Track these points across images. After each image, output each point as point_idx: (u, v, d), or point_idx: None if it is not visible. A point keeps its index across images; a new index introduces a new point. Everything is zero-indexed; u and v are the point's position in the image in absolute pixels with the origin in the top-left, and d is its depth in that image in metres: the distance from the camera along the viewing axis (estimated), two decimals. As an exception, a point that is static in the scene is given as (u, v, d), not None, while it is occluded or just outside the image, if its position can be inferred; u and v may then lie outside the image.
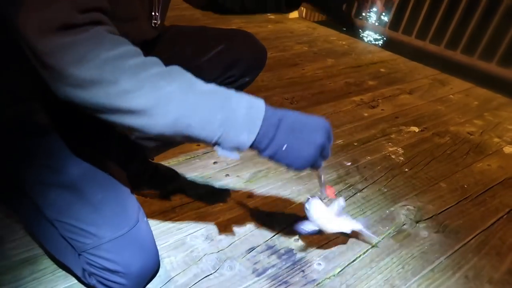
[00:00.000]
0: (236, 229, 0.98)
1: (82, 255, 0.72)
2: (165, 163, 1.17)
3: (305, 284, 0.86)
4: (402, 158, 1.33)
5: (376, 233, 1.01)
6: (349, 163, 1.27)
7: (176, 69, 0.55)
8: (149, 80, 0.50)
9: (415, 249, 0.97)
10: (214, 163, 1.21)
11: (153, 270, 0.79)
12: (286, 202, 1.08)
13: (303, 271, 0.89)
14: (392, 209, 1.10)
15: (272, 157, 0.59)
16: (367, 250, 0.96)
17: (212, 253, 0.91)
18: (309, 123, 0.60)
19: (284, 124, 0.57)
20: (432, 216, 1.08)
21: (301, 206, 1.02)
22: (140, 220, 0.76)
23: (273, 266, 0.89)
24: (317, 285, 0.86)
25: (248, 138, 0.55)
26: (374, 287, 0.87)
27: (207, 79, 0.94)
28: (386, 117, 1.59)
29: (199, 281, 0.84)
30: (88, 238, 0.71)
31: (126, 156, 1.04)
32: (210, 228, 0.97)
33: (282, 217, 1.03)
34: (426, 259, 0.95)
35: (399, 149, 1.38)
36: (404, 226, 1.04)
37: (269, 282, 0.85)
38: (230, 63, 0.93)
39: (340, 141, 1.39)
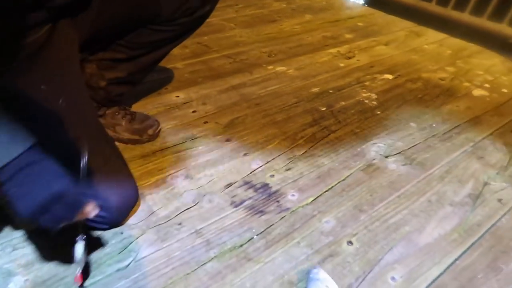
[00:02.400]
0: (214, 168, 1.03)
1: None
2: (144, 112, 1.20)
3: (279, 212, 0.92)
4: (375, 103, 1.38)
5: (346, 168, 1.07)
6: (324, 108, 1.32)
7: None
8: None
9: (384, 180, 1.04)
10: (193, 112, 1.25)
11: (132, 202, 0.83)
12: (263, 143, 1.13)
13: (278, 201, 0.95)
14: (363, 146, 1.15)
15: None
16: (338, 182, 1.02)
17: (192, 189, 0.96)
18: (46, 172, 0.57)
19: (23, 167, 0.55)
20: (401, 152, 1.15)
21: (277, 147, 1.07)
22: (116, 155, 0.80)
23: (249, 198, 0.95)
24: (291, 212, 0.92)
25: None
26: (344, 212, 0.93)
27: (166, 13, 0.95)
28: (362, 66, 1.63)
29: (180, 213, 0.89)
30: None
31: (101, 103, 1.08)
32: (189, 169, 1.02)
33: (258, 157, 1.08)
34: (393, 188, 1.01)
35: (373, 94, 1.43)
36: (374, 161, 1.10)
37: (246, 212, 0.91)
38: None
39: (316, 89, 1.43)
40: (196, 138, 1.13)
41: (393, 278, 0.79)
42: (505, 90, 1.53)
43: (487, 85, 1.55)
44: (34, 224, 0.57)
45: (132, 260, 0.78)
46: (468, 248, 0.87)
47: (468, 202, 0.99)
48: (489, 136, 1.25)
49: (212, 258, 0.80)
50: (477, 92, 1.50)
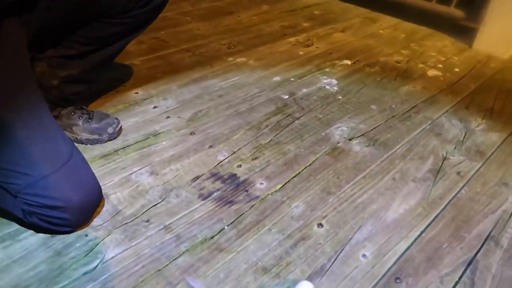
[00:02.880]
0: (180, 163, 1.01)
1: (19, 197, 0.72)
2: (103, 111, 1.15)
3: (249, 201, 0.91)
4: (336, 88, 1.40)
5: (312, 153, 1.08)
6: (286, 96, 1.32)
7: None
8: None
9: (349, 162, 1.06)
10: (154, 107, 1.22)
11: (96, 202, 0.80)
12: (228, 135, 1.12)
13: (246, 190, 0.94)
14: (327, 131, 1.17)
15: None
16: (305, 167, 1.02)
17: (158, 185, 0.94)
18: None
19: None
20: (363, 134, 1.17)
21: (243, 137, 1.07)
22: (75, 154, 0.76)
23: (218, 190, 0.94)
24: (260, 200, 0.92)
25: None
26: (313, 195, 0.94)
27: (118, 5, 0.92)
28: (321, 53, 1.65)
29: (147, 210, 0.87)
30: (20, 179, 0.71)
31: (56, 103, 1.03)
32: (154, 165, 1.00)
33: (224, 148, 1.07)
34: (359, 169, 1.03)
35: (333, 80, 1.45)
36: (339, 144, 1.12)
37: (215, 204, 0.90)
38: None
39: (277, 78, 1.43)
40: (159, 133, 1.11)
41: (364, 256, 0.81)
42: (457, 70, 1.59)
43: (440, 66, 1.61)
44: None
45: (99, 262, 0.75)
46: (432, 221, 0.90)
47: (429, 177, 1.02)
48: (445, 113, 1.30)
49: (183, 252, 0.78)
50: (431, 72, 1.56)
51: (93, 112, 1.06)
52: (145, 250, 0.78)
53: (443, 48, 1.78)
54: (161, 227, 0.83)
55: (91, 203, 0.79)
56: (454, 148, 1.13)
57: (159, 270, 0.74)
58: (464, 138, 1.18)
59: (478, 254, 0.83)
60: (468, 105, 1.36)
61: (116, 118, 1.08)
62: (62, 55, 0.98)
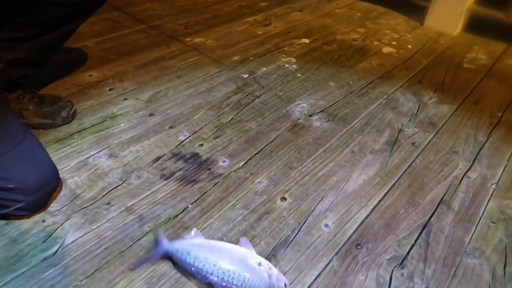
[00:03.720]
0: (139, 144, 0.99)
1: None
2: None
3: (212, 179, 0.91)
4: (295, 66, 1.41)
5: (273, 130, 1.09)
6: (246, 75, 1.32)
7: None
8: None
9: (310, 137, 1.07)
10: (110, 89, 1.18)
11: (52, 184, 0.77)
12: (188, 115, 1.10)
13: (209, 169, 0.94)
14: (288, 108, 1.18)
15: None
16: (267, 144, 1.03)
17: (118, 167, 0.91)
18: None
19: None
20: (323, 110, 1.19)
21: (203, 117, 1.06)
22: (28, 136, 0.73)
23: (180, 169, 0.93)
24: (223, 178, 0.92)
25: None
26: (275, 171, 0.95)
27: None
28: (279, 33, 1.65)
29: (107, 193, 0.85)
30: None
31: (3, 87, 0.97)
32: (113, 147, 0.97)
33: (185, 128, 1.05)
34: (319, 143, 1.06)
35: (292, 58, 1.45)
36: (299, 120, 1.13)
37: (178, 183, 0.89)
38: None
39: (236, 57, 1.42)
40: (117, 116, 1.07)
41: (326, 225, 0.83)
42: (410, 46, 1.65)
43: (394, 43, 1.66)
44: None
45: (59, 247, 0.72)
46: (390, 189, 0.94)
47: (386, 148, 1.06)
48: (400, 88, 1.35)
49: (147, 232, 0.77)
50: (386, 49, 1.60)
51: (44, 95, 1.01)
52: (107, 232, 0.76)
53: (397, 26, 1.83)
54: (123, 209, 0.81)
55: (47, 185, 0.76)
56: (409, 121, 1.18)
57: (122, 252, 0.73)
58: (417, 111, 1.23)
59: (432, 218, 0.88)
60: (421, 79, 1.41)
61: (70, 101, 1.03)
62: (7, 37, 0.92)
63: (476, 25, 1.83)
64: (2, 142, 0.69)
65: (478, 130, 1.18)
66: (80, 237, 0.75)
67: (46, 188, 0.75)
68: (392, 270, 0.76)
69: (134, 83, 1.22)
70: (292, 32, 1.67)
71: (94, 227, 0.77)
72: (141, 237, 0.76)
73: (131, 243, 0.75)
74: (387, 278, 0.74)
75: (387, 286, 0.73)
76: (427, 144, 1.10)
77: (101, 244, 0.74)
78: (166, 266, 0.72)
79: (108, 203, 0.82)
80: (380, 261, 0.77)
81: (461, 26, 1.82)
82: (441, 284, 0.75)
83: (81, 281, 0.68)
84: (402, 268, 0.77)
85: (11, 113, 0.75)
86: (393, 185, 0.95)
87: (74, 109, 1.03)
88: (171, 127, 1.05)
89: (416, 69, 1.48)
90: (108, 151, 0.95)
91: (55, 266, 0.69)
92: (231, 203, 0.86)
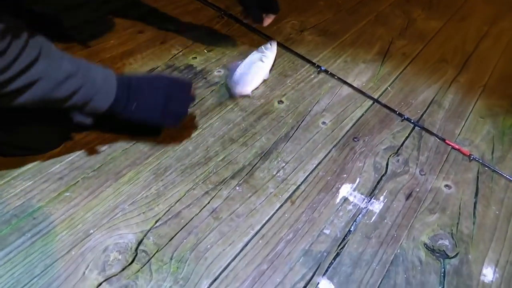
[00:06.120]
0: (132, 57, 0.97)
1: None
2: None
3: (208, 86, 0.91)
4: (283, -12, 1.38)
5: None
6: None
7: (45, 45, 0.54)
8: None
9: (302, 49, 1.07)
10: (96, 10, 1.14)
11: None
12: (179, 31, 1.08)
13: (205, 78, 0.94)
14: (278, 25, 1.17)
15: (130, 116, 0.64)
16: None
17: (112, 79, 0.90)
18: (152, 80, 0.68)
19: (133, 86, 0.64)
20: (314, 26, 1.19)
21: (195, 33, 1.03)
22: None
23: (176, 79, 0.92)
24: (220, 85, 0.92)
25: (105, 103, 0.61)
26: (271, 79, 0.96)
27: None
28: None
29: (104, 101, 0.84)
30: None
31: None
32: (104, 61, 0.95)
33: (177, 43, 1.04)
34: (312, 55, 1.06)
35: (280, -19, 1.42)
36: (291, 35, 1.13)
37: (175, 91, 0.89)
38: None
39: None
40: (107, 32, 1.05)
41: (323, 123, 0.85)
42: (397, -31, 1.62)
43: (381, -34, 1.63)
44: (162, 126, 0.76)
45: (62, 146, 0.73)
46: (383, 92, 0.96)
47: (378, 58, 1.08)
48: (389, 6, 1.34)
49: (148, 133, 0.78)
50: (373, -28, 1.58)
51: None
52: (108, 134, 0.77)
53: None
54: (122, 113, 0.81)
55: None
56: (399, 34, 1.19)
57: (126, 149, 0.74)
58: (407, 26, 1.24)
59: (424, 114, 0.91)
60: (409, -1, 1.41)
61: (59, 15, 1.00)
62: None
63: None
64: None
65: (465, 42, 1.20)
66: (86, 136, 0.75)
67: None
68: (388, 158, 0.79)
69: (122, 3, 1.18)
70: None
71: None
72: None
73: (133, 142, 0.76)
74: (384, 164, 0.78)
75: (384, 170, 0.77)
76: (417, 54, 1.11)
77: (104, 142, 0.74)
78: (171, 160, 0.73)
79: (107, 109, 0.82)
80: (377, 151, 0.81)
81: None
82: (434, 167, 0.79)
83: (89, 173, 0.69)
84: (397, 155, 0.80)
85: None
86: (386, 89, 0.98)
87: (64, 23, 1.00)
88: (162, 43, 1.03)
89: (404, -11, 1.47)
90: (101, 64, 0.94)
91: (61, 162, 0.70)
92: (229, 107, 0.87)
